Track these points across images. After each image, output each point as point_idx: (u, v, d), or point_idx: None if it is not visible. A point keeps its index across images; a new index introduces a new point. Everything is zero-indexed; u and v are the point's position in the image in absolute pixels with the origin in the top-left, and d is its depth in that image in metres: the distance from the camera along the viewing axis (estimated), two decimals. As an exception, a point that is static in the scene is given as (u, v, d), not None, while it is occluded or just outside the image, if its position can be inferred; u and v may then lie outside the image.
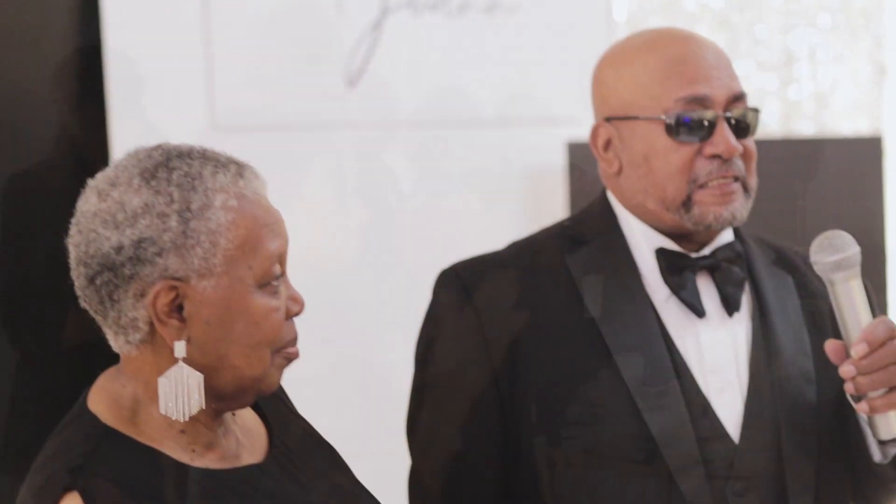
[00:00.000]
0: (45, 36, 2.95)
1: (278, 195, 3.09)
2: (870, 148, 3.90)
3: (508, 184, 3.18)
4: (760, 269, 1.89)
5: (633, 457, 1.76)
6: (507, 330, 1.81)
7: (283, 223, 1.57)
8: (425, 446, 1.87)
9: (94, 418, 1.50)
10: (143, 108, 2.95)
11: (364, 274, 3.04)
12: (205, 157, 1.53)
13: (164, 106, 2.99)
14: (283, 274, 1.56)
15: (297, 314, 1.57)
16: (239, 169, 1.55)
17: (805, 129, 4.42)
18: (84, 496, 1.40)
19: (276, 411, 1.69)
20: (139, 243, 1.46)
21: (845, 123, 4.48)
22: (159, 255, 1.47)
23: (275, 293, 1.53)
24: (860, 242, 3.75)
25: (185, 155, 1.52)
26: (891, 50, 4.71)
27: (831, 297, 1.75)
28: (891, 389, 1.70)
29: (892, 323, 1.72)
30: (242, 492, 1.53)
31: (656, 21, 4.25)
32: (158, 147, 1.54)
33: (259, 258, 1.51)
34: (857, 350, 1.69)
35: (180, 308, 1.48)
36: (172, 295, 1.47)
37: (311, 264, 3.08)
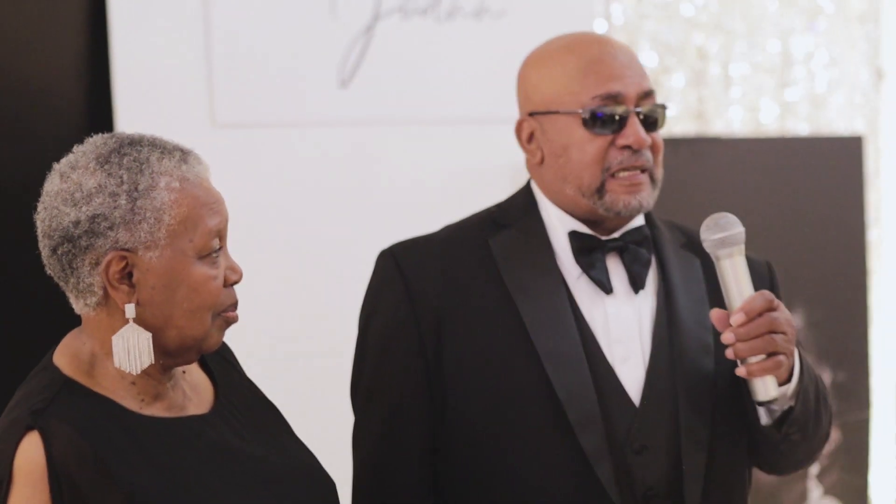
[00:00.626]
0: (55, 37, 3.12)
1: (274, 187, 3.29)
2: (851, 147, 4.02)
3: (493, 179, 3.33)
4: (668, 251, 2.07)
5: (541, 416, 1.95)
6: (434, 303, 2.01)
7: (222, 202, 1.78)
8: (365, 404, 2.07)
9: (56, 370, 1.72)
10: (148, 105, 3.13)
11: (355, 261, 3.22)
12: (153, 144, 1.75)
13: (167, 104, 3.16)
14: (222, 247, 1.77)
15: (235, 282, 1.79)
16: (183, 155, 1.76)
17: (801, 130, 4.52)
18: (43, 435, 1.63)
19: (223, 371, 1.90)
20: (93, 219, 1.69)
21: (841, 125, 4.57)
22: (111, 228, 1.69)
23: (213, 263, 1.75)
24: (840, 237, 3.90)
25: (135, 142, 1.75)
26: (888, 54, 4.82)
27: (718, 271, 1.93)
28: (767, 356, 1.88)
29: (771, 296, 1.90)
30: (186, 439, 1.75)
31: (652, 26, 4.40)
32: (113, 135, 1.77)
33: (199, 233, 1.73)
34: (736, 319, 1.88)
35: (130, 275, 1.70)
36: (122, 264, 1.69)
37: (304, 253, 3.29)
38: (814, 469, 3.93)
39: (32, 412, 1.64)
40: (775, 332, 1.89)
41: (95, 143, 1.75)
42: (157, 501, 1.65)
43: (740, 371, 1.90)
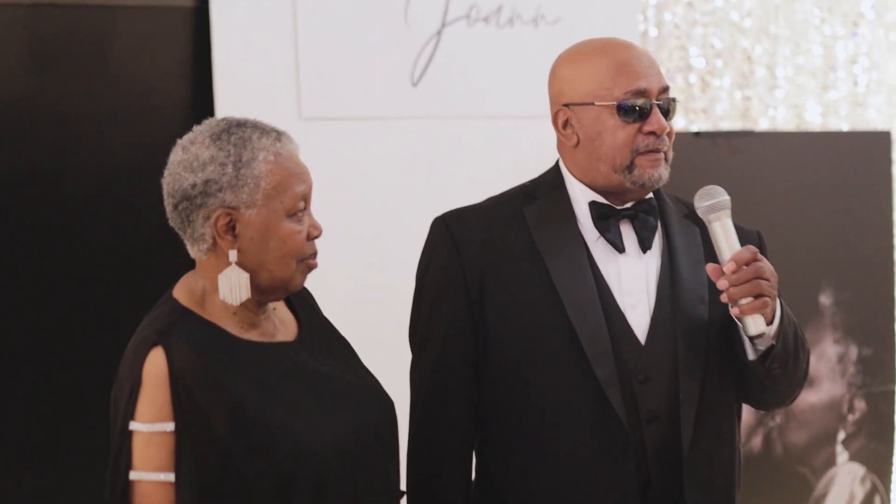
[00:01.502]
0: (166, 46, 3.53)
1: (352, 173, 3.70)
2: (881, 141, 4.34)
3: (539, 166, 3.71)
4: (672, 220, 2.47)
5: (564, 351, 2.35)
6: (477, 260, 2.41)
7: (308, 173, 2.21)
8: (421, 344, 2.48)
9: (175, 301, 2.17)
10: (243, 102, 3.49)
11: (417, 238, 3.63)
12: (255, 126, 2.19)
13: (260, 100, 3.54)
14: (306, 208, 2.20)
15: (316, 237, 2.22)
16: (278, 135, 2.20)
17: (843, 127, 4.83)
18: (165, 350, 2.06)
19: (306, 310, 2.34)
20: (207, 183, 2.13)
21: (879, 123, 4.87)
22: (220, 191, 2.13)
23: (299, 221, 2.18)
24: (869, 225, 4.19)
25: (241, 124, 2.19)
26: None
27: (710, 232, 2.33)
28: (755, 297, 2.27)
29: (756, 249, 2.29)
30: (276, 360, 2.18)
31: (701, 31, 4.73)
32: (224, 118, 2.21)
33: (288, 196, 2.16)
34: (728, 267, 2.27)
35: (234, 228, 2.14)
36: (228, 219, 2.13)
37: (374, 229, 3.68)
38: (840, 435, 4.27)
39: (157, 332, 2.08)
40: (761, 278, 2.26)
41: (210, 124, 2.19)
42: (253, 406, 2.07)
43: (734, 311, 2.28)
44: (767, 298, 2.27)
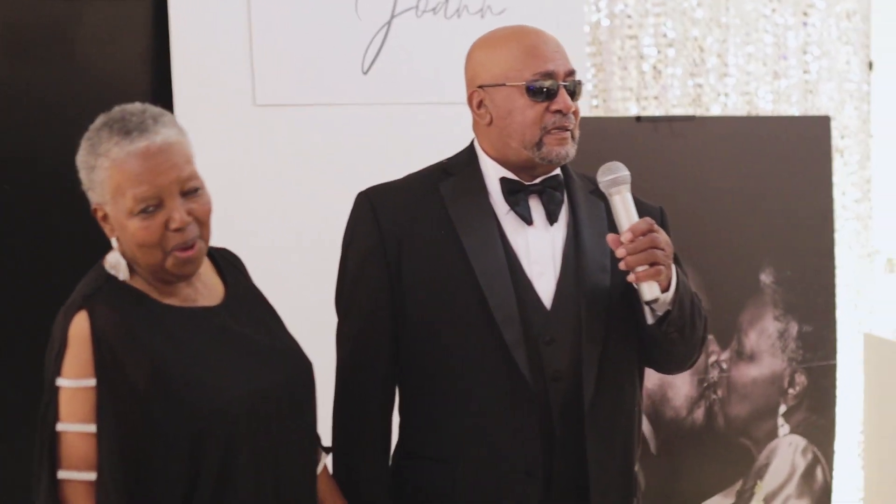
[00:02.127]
0: (127, 36, 3.70)
1: (306, 160, 3.86)
2: (820, 125, 4.49)
3: None
4: (578, 195, 2.64)
5: (475, 316, 2.52)
6: (396, 231, 2.59)
7: (162, 171, 2.27)
8: (346, 311, 2.66)
9: (102, 269, 2.36)
10: (201, 90, 3.70)
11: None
12: (112, 126, 2.29)
13: (217, 87, 3.73)
14: (161, 205, 2.28)
15: (175, 228, 2.30)
16: (126, 134, 2.27)
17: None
18: (89, 312, 2.26)
19: (233, 276, 2.52)
20: (83, 182, 2.33)
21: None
22: (89, 190, 2.33)
23: (148, 217, 2.28)
24: (807, 209, 4.30)
25: (103, 125, 2.31)
26: (878, 48, 5.27)
27: (611, 205, 2.51)
28: (650, 265, 2.44)
29: (652, 221, 2.46)
30: (194, 322, 2.36)
31: (653, 20, 4.88)
32: (102, 115, 2.34)
33: (127, 199, 2.29)
34: (625, 237, 2.45)
35: (107, 219, 2.33)
36: (102, 213, 2.33)
37: (329, 215, 3.82)
38: (781, 408, 4.45)
39: (83, 297, 2.29)
40: (656, 248, 2.44)
41: (98, 119, 2.35)
42: (170, 364, 2.26)
43: (630, 278, 2.45)
44: (661, 266, 2.44)
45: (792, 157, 4.41)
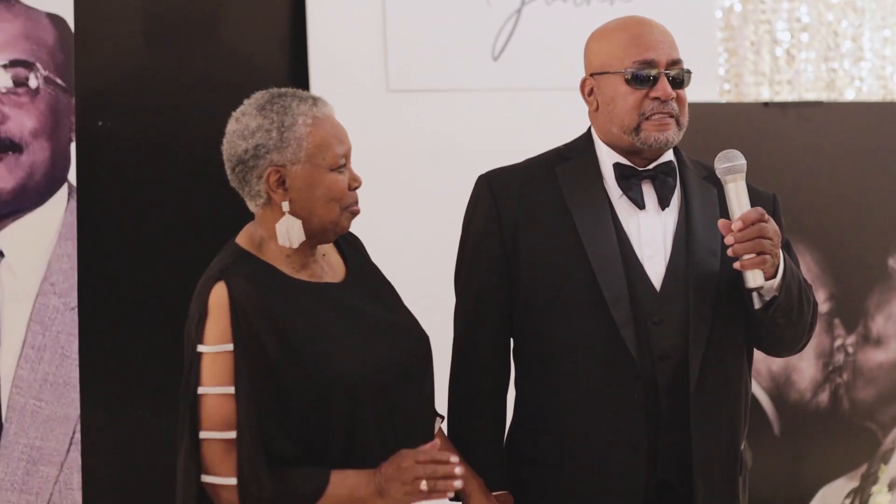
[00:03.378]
0: (267, 23, 3.87)
1: (437, 144, 3.96)
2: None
3: None
4: (691, 181, 2.73)
5: (586, 294, 2.63)
6: (513, 212, 2.71)
7: (345, 135, 2.52)
8: (463, 287, 2.79)
9: (237, 246, 2.53)
10: (336, 76, 3.84)
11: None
12: (294, 94, 2.51)
13: (351, 72, 3.86)
14: (347, 164, 2.51)
15: (356, 188, 2.52)
16: (314, 101, 2.51)
17: None
18: (227, 284, 2.42)
19: (353, 255, 2.67)
20: (256, 147, 2.47)
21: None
22: (268, 153, 2.46)
23: (341, 173, 2.49)
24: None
25: (282, 94, 2.51)
26: None
27: (725, 192, 2.59)
28: (757, 254, 2.52)
29: (763, 211, 2.54)
30: (322, 298, 2.51)
31: (787, 5, 4.88)
32: (268, 91, 2.53)
33: (329, 154, 2.47)
34: (735, 225, 2.53)
35: (283, 182, 2.47)
36: (277, 175, 2.47)
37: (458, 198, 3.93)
38: (911, 393, 4.45)
39: (220, 270, 2.45)
40: (763, 238, 2.52)
41: (256, 97, 2.53)
42: (299, 334, 2.42)
43: (737, 265, 2.54)
44: (767, 256, 2.52)
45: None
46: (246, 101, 2.53)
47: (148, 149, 3.80)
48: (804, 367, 4.31)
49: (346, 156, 2.51)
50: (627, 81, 2.66)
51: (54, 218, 3.47)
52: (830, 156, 4.32)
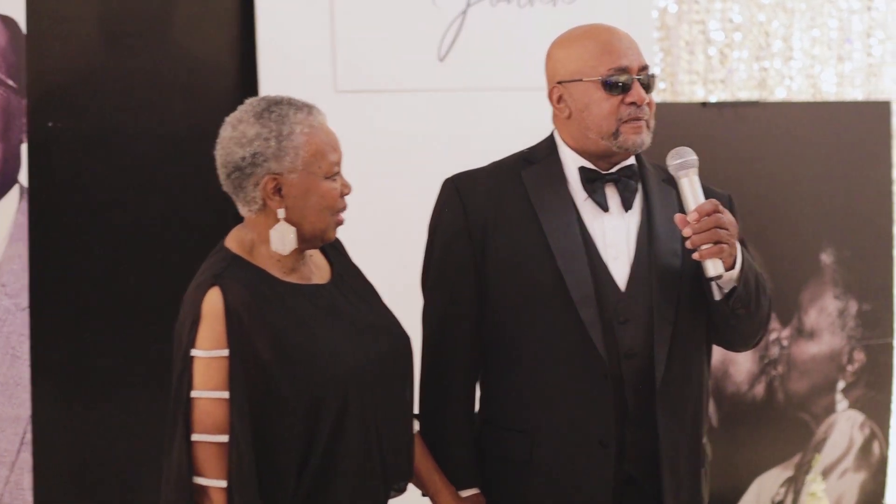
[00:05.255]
0: (215, 23, 3.89)
1: (384, 144, 4.00)
2: (880, 111, 4.60)
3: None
4: (651, 183, 2.79)
5: (553, 295, 2.68)
6: (481, 215, 2.75)
7: (338, 142, 2.56)
8: (431, 290, 2.83)
9: (227, 250, 2.55)
10: (285, 75, 3.84)
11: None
12: (290, 102, 2.54)
13: (299, 73, 3.86)
14: (338, 172, 2.55)
15: (347, 194, 2.57)
16: (309, 110, 2.54)
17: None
18: (221, 289, 2.44)
19: (338, 257, 2.70)
20: (254, 155, 2.49)
21: None
22: (266, 161, 2.49)
23: (334, 181, 2.53)
24: (866, 190, 4.41)
25: (278, 102, 2.54)
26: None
27: (679, 187, 2.66)
28: (714, 244, 2.59)
29: (717, 202, 2.61)
30: (311, 298, 2.55)
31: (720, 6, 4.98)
32: (263, 98, 2.56)
33: (325, 162, 2.51)
34: (691, 216, 2.60)
35: (280, 190, 2.50)
36: (274, 183, 2.50)
37: (407, 198, 3.97)
38: (840, 384, 4.58)
39: (214, 275, 2.46)
40: (720, 227, 2.59)
41: (252, 104, 2.55)
42: (291, 336, 2.45)
43: (696, 255, 2.60)
44: (725, 245, 2.60)
45: (853, 141, 4.53)
46: (240, 108, 2.54)
47: (99, 149, 3.80)
48: (741, 360, 4.42)
49: (339, 163, 2.55)
50: (604, 88, 2.72)
51: (5, 219, 3.47)
52: (764, 154, 4.44)
